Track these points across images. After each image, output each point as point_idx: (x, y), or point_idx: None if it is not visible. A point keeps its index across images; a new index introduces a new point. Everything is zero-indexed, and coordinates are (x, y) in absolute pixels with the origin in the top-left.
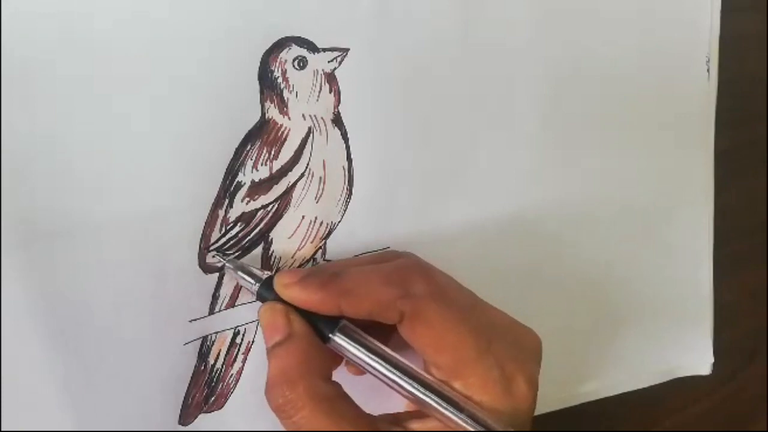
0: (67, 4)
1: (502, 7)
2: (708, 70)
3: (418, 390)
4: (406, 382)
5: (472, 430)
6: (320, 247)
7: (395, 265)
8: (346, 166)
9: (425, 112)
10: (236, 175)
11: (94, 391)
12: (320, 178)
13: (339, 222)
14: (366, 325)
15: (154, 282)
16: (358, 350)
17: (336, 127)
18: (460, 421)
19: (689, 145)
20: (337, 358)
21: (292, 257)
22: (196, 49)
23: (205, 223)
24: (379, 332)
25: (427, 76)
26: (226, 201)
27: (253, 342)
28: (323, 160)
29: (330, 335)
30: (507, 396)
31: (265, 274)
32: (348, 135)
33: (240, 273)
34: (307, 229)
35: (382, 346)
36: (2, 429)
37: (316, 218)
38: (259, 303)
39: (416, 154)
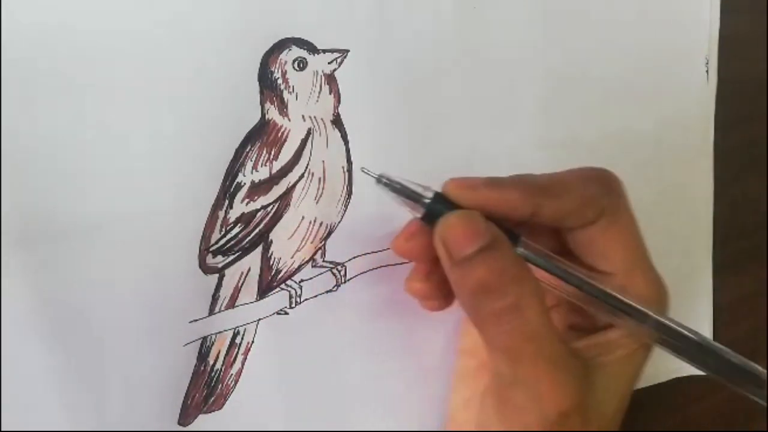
0: (67, 4)
1: (501, 7)
2: (707, 71)
3: (610, 299)
4: (595, 293)
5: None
6: (320, 248)
7: (591, 168)
8: (346, 167)
9: (425, 113)
10: (236, 175)
11: (93, 391)
12: (320, 179)
13: (339, 223)
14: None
15: (154, 283)
16: (544, 266)
17: (336, 129)
18: (649, 329)
19: (689, 145)
20: None
21: (292, 258)
22: (196, 50)
23: (205, 223)
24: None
25: (427, 77)
26: (226, 202)
27: (252, 342)
28: (323, 161)
29: (517, 249)
30: (666, 302)
31: (428, 190)
32: (348, 136)
33: (401, 187)
34: (307, 230)
35: (565, 261)
36: (2, 429)
37: (315, 219)
38: (258, 303)
39: (416, 155)
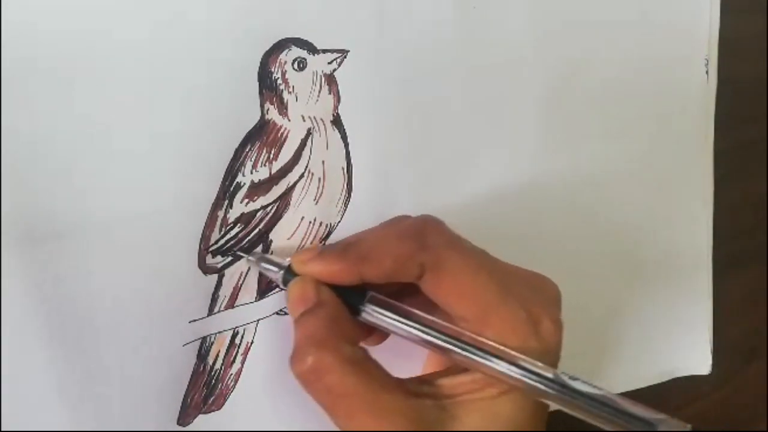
0: (67, 4)
1: (501, 8)
2: (707, 71)
3: (458, 346)
4: (442, 340)
5: (518, 377)
6: None
7: (408, 222)
8: (346, 168)
9: (425, 113)
10: (236, 175)
11: (93, 391)
12: (319, 179)
13: (338, 223)
14: (388, 295)
15: (153, 282)
16: (392, 316)
17: (335, 129)
18: (504, 370)
19: (689, 146)
20: (363, 331)
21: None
22: (196, 50)
23: (205, 223)
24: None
25: (426, 77)
26: (226, 202)
27: (252, 342)
28: (322, 162)
29: (360, 306)
30: (535, 337)
31: (287, 261)
32: (347, 136)
33: (263, 264)
34: (307, 230)
35: (413, 310)
36: (2, 429)
37: (315, 219)
38: (258, 303)
39: (416, 155)
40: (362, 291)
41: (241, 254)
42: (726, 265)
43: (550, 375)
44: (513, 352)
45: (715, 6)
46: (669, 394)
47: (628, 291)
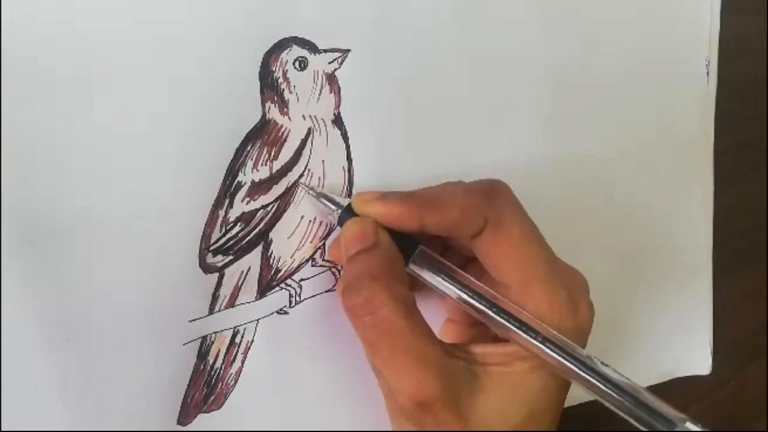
0: (67, 4)
1: (501, 7)
2: (707, 71)
3: (499, 313)
4: (485, 304)
5: (553, 355)
6: (320, 247)
7: (476, 181)
8: (346, 167)
9: (425, 112)
10: (236, 175)
11: (93, 391)
12: (320, 178)
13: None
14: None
15: (154, 281)
16: (440, 273)
17: (336, 128)
18: (540, 345)
19: (689, 146)
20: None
21: (292, 257)
22: (196, 50)
23: (206, 223)
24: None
25: (427, 76)
26: (227, 201)
27: (252, 342)
28: (323, 161)
29: (410, 257)
30: (573, 318)
31: (346, 200)
32: (348, 135)
33: (322, 200)
34: (307, 229)
35: (460, 270)
36: (2, 429)
37: (315, 218)
38: (258, 302)
39: (416, 155)
40: (413, 243)
41: (304, 185)
42: (726, 265)
43: (584, 356)
44: (550, 329)
45: (715, 6)
46: (669, 394)
47: (628, 291)
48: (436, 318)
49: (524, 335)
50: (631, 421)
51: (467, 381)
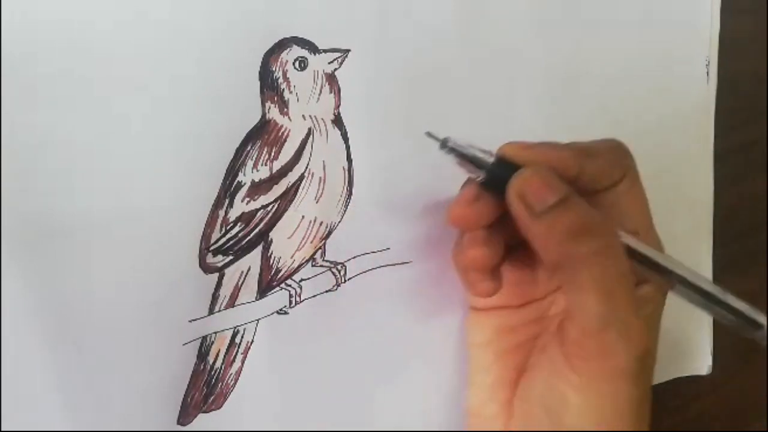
0: (67, 4)
1: (502, 7)
2: (707, 71)
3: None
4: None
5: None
6: (320, 248)
7: (605, 139)
8: (347, 167)
9: (425, 112)
10: (236, 175)
11: (93, 391)
12: (320, 178)
13: (339, 222)
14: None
15: (153, 282)
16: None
17: (336, 128)
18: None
19: (689, 146)
20: None
21: (292, 257)
22: (196, 50)
23: (206, 223)
24: None
25: (427, 76)
26: (227, 201)
27: (252, 342)
28: (323, 161)
29: None
30: None
31: (490, 155)
32: (348, 136)
33: (470, 151)
34: (307, 230)
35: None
36: (2, 429)
37: (315, 218)
38: (258, 302)
39: (417, 155)
40: None
41: (434, 137)
42: (726, 266)
43: (713, 287)
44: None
45: (715, 6)
46: (669, 394)
47: None
48: None
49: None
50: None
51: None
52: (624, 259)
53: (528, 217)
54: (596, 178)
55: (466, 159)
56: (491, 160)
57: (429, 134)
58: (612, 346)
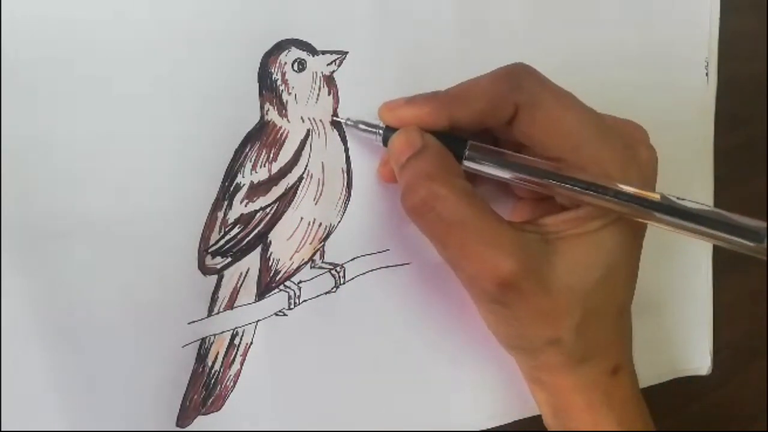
0: (67, 5)
1: (500, 8)
2: (707, 71)
3: (564, 180)
4: (545, 177)
5: (625, 204)
6: (319, 249)
7: (499, 68)
8: (345, 169)
9: None
10: (235, 176)
11: (92, 392)
12: (319, 180)
13: (338, 224)
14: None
15: (153, 283)
16: (496, 160)
17: (335, 130)
18: (612, 200)
19: (689, 146)
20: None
21: (291, 259)
22: (195, 51)
23: (204, 224)
24: None
25: (426, 77)
26: (225, 202)
27: (251, 343)
28: (322, 163)
29: (463, 154)
30: (635, 166)
31: (381, 122)
32: (347, 137)
33: (361, 126)
34: (306, 231)
35: (516, 154)
36: (2, 429)
37: (314, 220)
38: (257, 304)
39: None
40: (462, 142)
41: (338, 119)
42: (726, 265)
43: (658, 198)
44: (616, 182)
45: (715, 6)
46: (669, 394)
47: None
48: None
49: (594, 194)
50: (720, 243)
51: (543, 251)
52: (452, 206)
53: (397, 171)
54: (476, 122)
55: (367, 131)
56: (383, 126)
57: (334, 118)
58: (468, 281)
